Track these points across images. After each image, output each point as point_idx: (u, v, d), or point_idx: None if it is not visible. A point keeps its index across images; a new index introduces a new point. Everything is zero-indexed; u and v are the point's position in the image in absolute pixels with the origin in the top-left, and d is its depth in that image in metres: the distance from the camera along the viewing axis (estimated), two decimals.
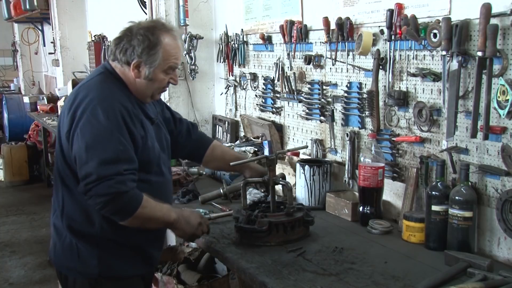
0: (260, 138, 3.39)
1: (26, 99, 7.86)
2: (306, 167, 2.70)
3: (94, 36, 6.59)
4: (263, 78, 3.53)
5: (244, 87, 3.77)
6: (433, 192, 2.11)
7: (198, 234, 2.15)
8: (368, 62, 2.59)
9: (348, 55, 2.71)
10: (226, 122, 3.97)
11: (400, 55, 2.40)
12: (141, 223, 1.97)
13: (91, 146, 1.88)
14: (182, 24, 3.99)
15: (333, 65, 2.81)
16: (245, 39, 3.67)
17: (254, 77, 3.62)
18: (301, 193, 2.73)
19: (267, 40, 3.40)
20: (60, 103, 6.45)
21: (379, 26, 2.50)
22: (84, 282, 2.05)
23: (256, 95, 3.63)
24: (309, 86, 3.04)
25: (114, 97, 1.99)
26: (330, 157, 2.93)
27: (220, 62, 4.01)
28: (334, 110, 2.85)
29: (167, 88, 2.21)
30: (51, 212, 2.17)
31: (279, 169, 2.89)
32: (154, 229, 2.10)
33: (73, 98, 2.00)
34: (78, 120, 1.92)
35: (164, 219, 2.03)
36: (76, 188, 1.98)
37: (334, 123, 2.86)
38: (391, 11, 2.38)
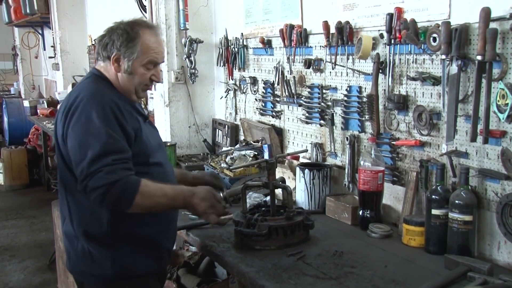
0: (260, 142, 3.38)
1: (26, 103, 7.86)
2: (306, 171, 2.70)
3: (94, 40, 6.60)
4: (263, 82, 3.53)
5: (244, 91, 3.77)
6: (433, 196, 2.11)
7: (213, 216, 2.11)
8: (367, 66, 2.59)
9: (348, 59, 2.71)
10: (226, 126, 3.97)
11: (400, 59, 2.41)
12: (146, 210, 1.95)
13: (82, 144, 1.89)
14: (182, 28, 4.00)
15: (333, 69, 2.82)
16: (245, 43, 3.68)
17: (254, 81, 3.62)
18: (301, 197, 2.73)
19: (267, 44, 3.41)
20: None
21: (378, 30, 2.50)
22: (100, 286, 2.05)
23: (256, 99, 3.63)
24: (309, 90, 3.04)
25: (104, 93, 2.00)
26: (330, 160, 2.93)
27: (220, 66, 4.02)
28: (334, 114, 2.85)
29: (152, 87, 2.18)
30: (61, 222, 2.17)
31: (279, 173, 2.89)
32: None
33: (65, 103, 2.02)
34: (69, 120, 1.94)
35: (171, 205, 2.03)
36: (79, 191, 1.97)
37: (334, 127, 2.86)
38: (390, 15, 2.38)
